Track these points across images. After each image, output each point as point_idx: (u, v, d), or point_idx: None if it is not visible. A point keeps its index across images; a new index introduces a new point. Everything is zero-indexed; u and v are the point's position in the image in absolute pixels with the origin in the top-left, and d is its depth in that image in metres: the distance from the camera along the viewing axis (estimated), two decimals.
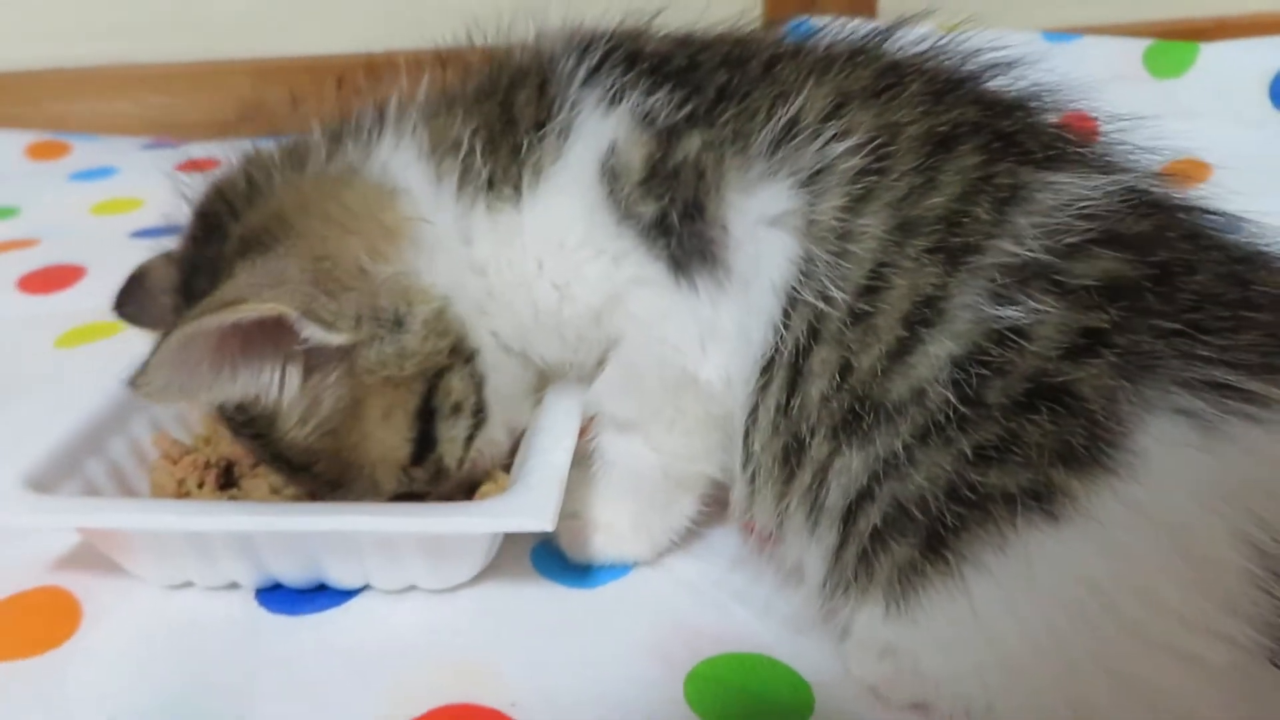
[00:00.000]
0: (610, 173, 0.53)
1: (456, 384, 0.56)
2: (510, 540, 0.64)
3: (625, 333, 0.56)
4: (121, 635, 0.58)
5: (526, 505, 0.53)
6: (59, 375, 0.88)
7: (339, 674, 0.55)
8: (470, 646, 0.57)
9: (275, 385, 0.51)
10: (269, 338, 0.50)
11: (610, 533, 0.63)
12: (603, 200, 0.53)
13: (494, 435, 0.60)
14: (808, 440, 0.49)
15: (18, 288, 1.06)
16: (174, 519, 0.54)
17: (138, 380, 0.46)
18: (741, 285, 0.52)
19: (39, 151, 1.51)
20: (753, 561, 0.64)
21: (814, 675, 0.55)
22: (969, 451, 0.45)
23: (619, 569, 0.64)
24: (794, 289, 0.50)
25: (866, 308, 0.48)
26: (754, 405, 0.52)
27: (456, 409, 0.56)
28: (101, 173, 1.43)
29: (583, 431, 0.62)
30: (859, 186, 0.49)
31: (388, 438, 0.55)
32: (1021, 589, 0.44)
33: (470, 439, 0.58)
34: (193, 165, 0.67)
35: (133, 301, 0.64)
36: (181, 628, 0.59)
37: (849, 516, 0.49)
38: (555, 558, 0.64)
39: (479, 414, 0.58)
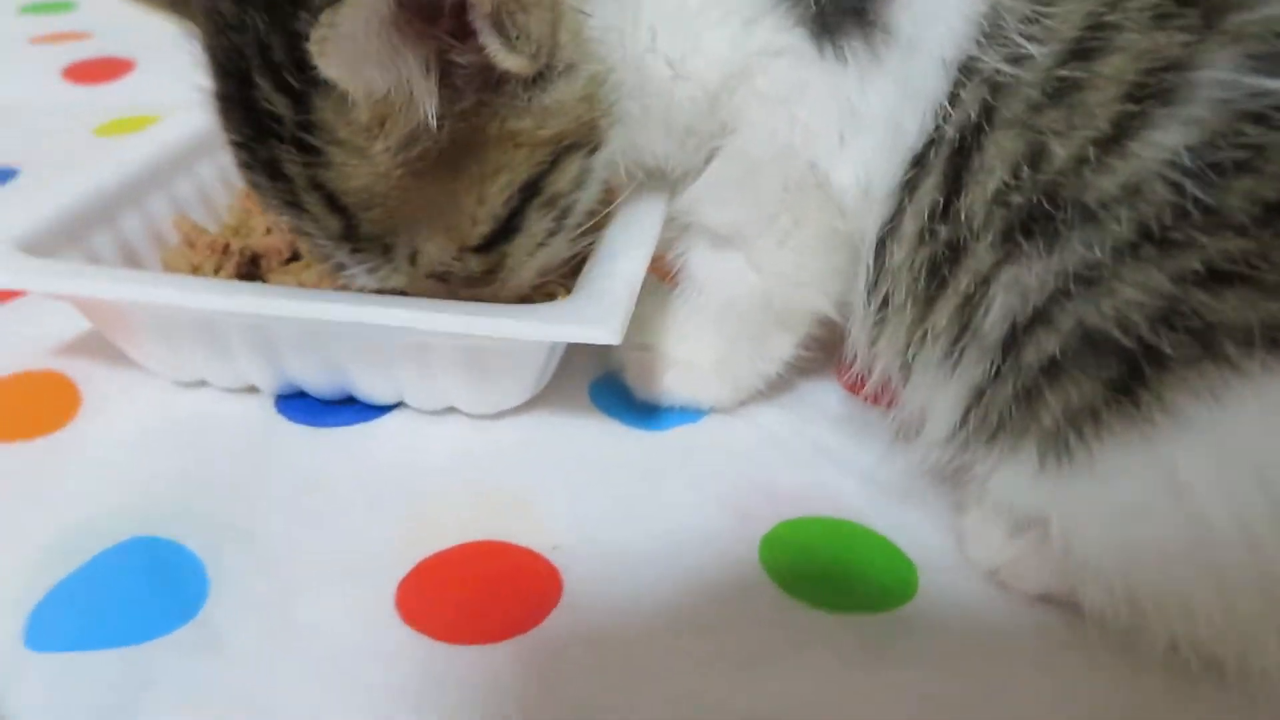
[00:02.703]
0: None
1: (572, 171, 0.46)
2: (566, 369, 0.55)
3: (745, 117, 0.45)
4: (119, 428, 0.51)
5: (588, 312, 0.44)
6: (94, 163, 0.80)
7: (359, 494, 0.47)
8: (512, 480, 0.49)
9: (414, 85, 0.39)
10: (426, 27, 0.39)
11: (688, 370, 0.53)
12: None
13: (549, 256, 0.50)
14: (969, 246, 0.39)
15: (63, 77, 0.99)
16: (171, 293, 0.46)
17: (325, 18, 0.35)
18: (903, 54, 0.41)
19: None
20: (854, 421, 0.54)
21: (918, 553, 0.46)
22: (1199, 267, 0.33)
23: (691, 413, 0.54)
24: (971, 57, 0.39)
25: (1075, 75, 0.36)
26: (896, 207, 0.42)
27: (552, 201, 0.46)
28: None
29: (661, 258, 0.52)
30: None
31: (476, 203, 0.45)
32: (1240, 452, 0.34)
33: (540, 246, 0.48)
34: None
35: None
36: (187, 426, 0.51)
37: (1012, 344, 0.38)
38: (618, 393, 0.55)
39: (561, 220, 0.48)
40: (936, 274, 0.41)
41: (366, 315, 0.44)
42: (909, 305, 0.42)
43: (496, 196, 0.44)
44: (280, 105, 0.41)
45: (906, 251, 0.41)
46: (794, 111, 0.44)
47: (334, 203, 0.44)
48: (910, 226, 0.41)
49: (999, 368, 0.39)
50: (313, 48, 0.35)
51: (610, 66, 0.45)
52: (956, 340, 0.41)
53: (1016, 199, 0.38)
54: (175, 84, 0.55)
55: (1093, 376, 0.36)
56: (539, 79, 0.42)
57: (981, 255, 0.39)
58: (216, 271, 0.54)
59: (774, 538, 0.46)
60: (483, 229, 0.45)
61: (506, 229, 0.46)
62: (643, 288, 0.47)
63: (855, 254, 0.46)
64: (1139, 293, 0.34)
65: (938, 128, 0.40)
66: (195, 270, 0.54)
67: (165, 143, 0.61)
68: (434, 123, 0.40)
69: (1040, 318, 0.38)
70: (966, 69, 0.39)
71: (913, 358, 0.43)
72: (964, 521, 0.46)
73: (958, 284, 0.40)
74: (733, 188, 0.47)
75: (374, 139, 0.41)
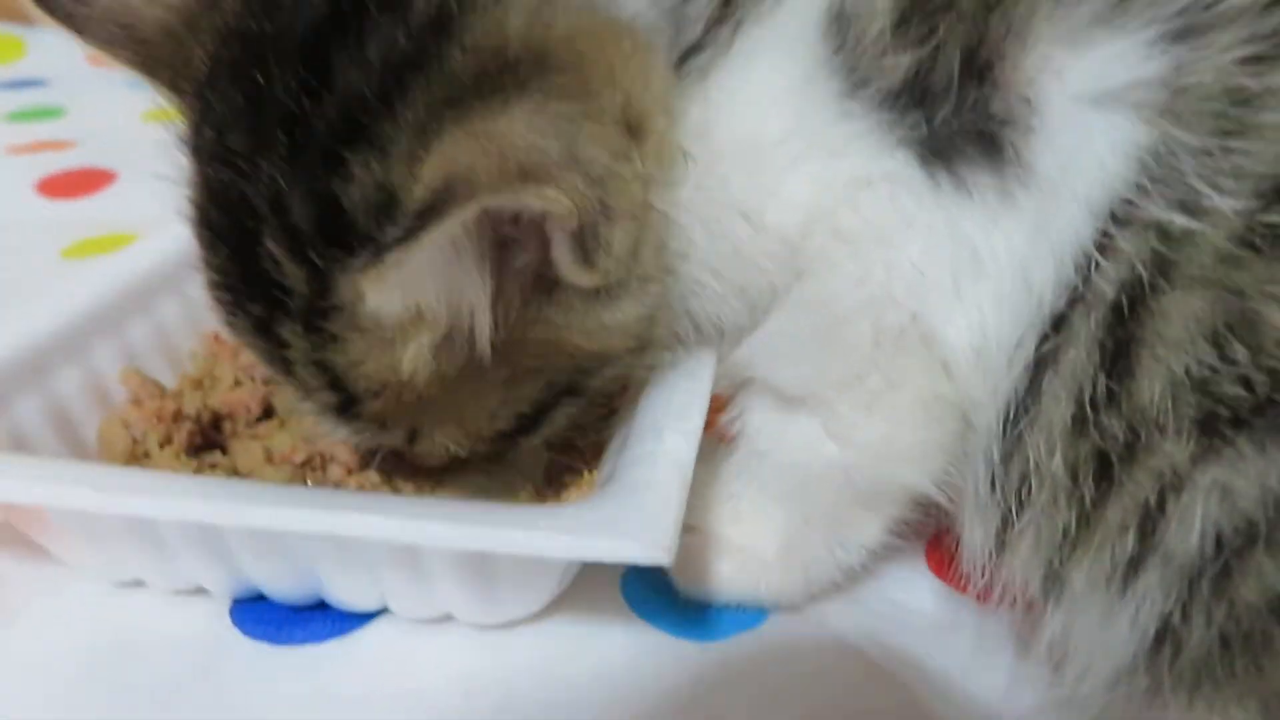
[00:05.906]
0: (839, 19, 0.34)
1: (614, 373, 0.40)
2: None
3: (824, 260, 0.36)
4: (34, 641, 0.40)
5: (628, 521, 0.33)
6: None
7: None
8: (524, 712, 0.38)
9: (467, 292, 0.32)
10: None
11: (746, 558, 0.43)
12: (824, 61, 0.35)
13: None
14: (1151, 440, 0.30)
15: (38, 190, 0.90)
16: (70, 492, 0.35)
17: (393, 258, 0.27)
18: (1041, 196, 0.33)
19: (101, 59, 1.38)
20: (960, 628, 0.43)
21: None
22: None
23: (751, 614, 0.43)
24: (1129, 202, 0.31)
25: None
26: (1029, 386, 0.33)
27: (583, 395, 0.40)
28: None
29: (714, 409, 0.42)
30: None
31: (500, 403, 0.38)
32: None
33: (555, 431, 0.41)
34: None
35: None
36: (109, 642, 0.41)
37: (1221, 571, 0.29)
38: (659, 591, 0.44)
39: (585, 408, 0.41)
40: (1105, 474, 0.31)
41: (339, 525, 0.33)
42: (1062, 508, 0.32)
43: (524, 399, 0.39)
44: (295, 280, 0.33)
45: (1060, 445, 0.32)
46: (893, 253, 0.34)
47: (337, 384, 0.35)
48: (1058, 412, 0.32)
49: (1198, 600, 0.29)
50: (367, 285, 0.28)
51: (688, 279, 0.38)
52: (1135, 561, 0.30)
53: (1219, 380, 0.28)
54: (156, 200, 0.47)
55: None
56: (603, 293, 0.35)
57: (1167, 453, 0.29)
58: (164, 446, 0.44)
59: None
60: (501, 426, 0.39)
61: (528, 427, 0.39)
62: None
63: (965, 425, 0.36)
64: None
65: (1082, 283, 0.31)
66: (135, 446, 0.44)
67: (120, 276, 0.52)
68: (482, 338, 0.33)
69: (1258, 538, 0.28)
70: (1122, 217, 0.31)
71: (1055, 582, 0.33)
72: None
73: (1137, 488, 0.30)
74: (807, 342, 0.38)
75: (404, 342, 0.33)
